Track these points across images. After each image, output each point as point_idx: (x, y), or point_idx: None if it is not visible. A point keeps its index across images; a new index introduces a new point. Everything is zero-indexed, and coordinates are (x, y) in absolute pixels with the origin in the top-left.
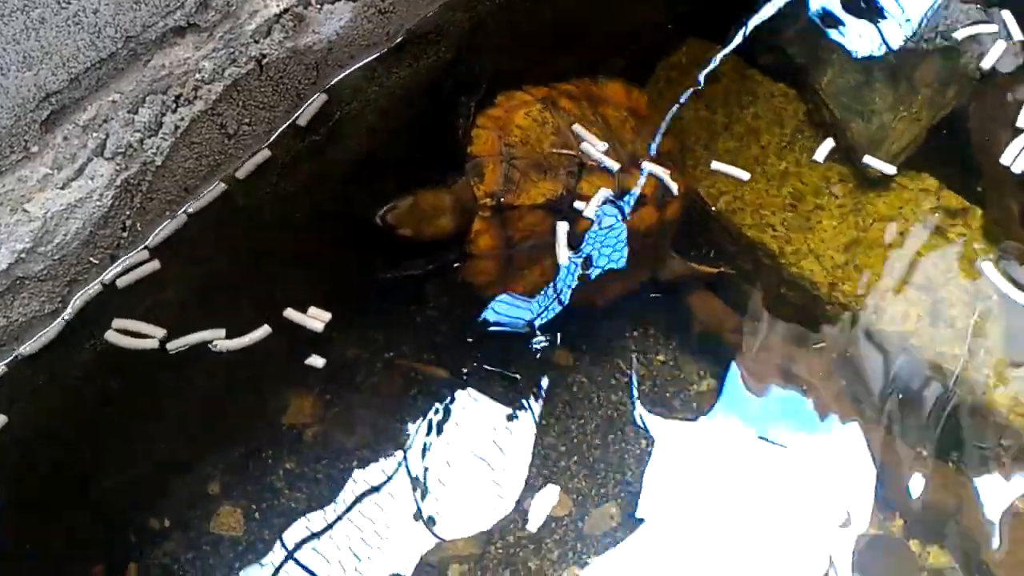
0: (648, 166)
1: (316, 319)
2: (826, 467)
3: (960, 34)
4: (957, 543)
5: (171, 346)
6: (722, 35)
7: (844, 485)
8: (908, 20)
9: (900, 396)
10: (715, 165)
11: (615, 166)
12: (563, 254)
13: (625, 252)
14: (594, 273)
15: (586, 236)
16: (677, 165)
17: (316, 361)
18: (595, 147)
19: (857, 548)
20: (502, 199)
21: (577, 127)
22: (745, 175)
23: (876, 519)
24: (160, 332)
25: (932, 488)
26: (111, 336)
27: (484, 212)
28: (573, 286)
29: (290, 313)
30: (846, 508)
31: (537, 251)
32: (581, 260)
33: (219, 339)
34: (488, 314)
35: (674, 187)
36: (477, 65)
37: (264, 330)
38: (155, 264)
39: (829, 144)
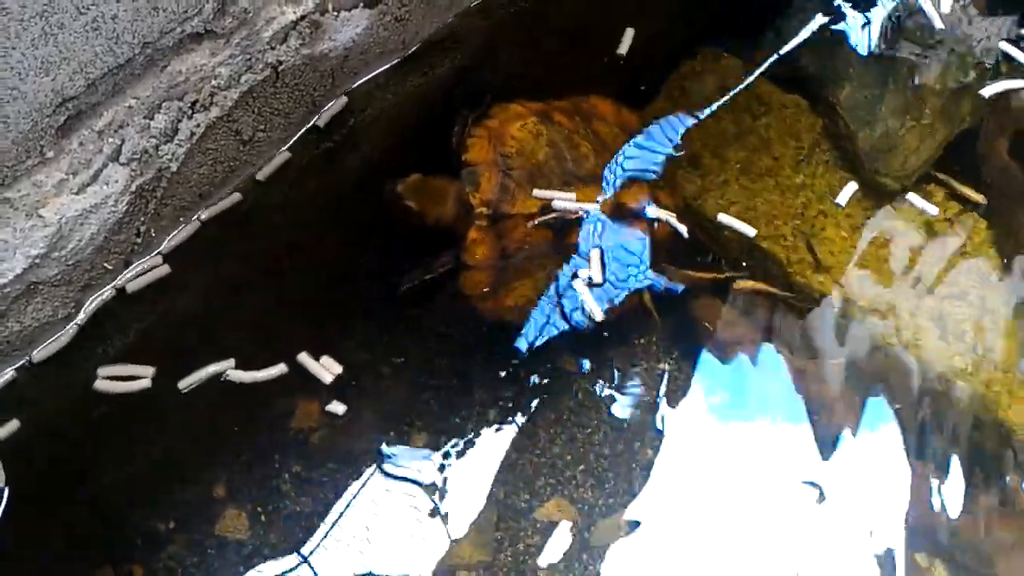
0: (653, 211)
1: (327, 370)
2: (837, 481)
3: (988, 91)
4: (965, 559)
5: (183, 384)
6: (735, 45)
7: (855, 499)
8: (921, 33)
9: (913, 411)
10: (721, 217)
11: (593, 207)
12: (597, 311)
13: (624, 266)
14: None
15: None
16: (669, 182)
17: (337, 408)
18: (564, 200)
19: (865, 561)
20: (498, 207)
21: (537, 191)
22: (751, 231)
23: (885, 533)
24: (149, 371)
25: (942, 503)
26: (101, 385)
27: (480, 221)
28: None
29: (303, 358)
30: (856, 521)
31: (530, 263)
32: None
33: (230, 369)
34: (496, 322)
35: (683, 229)
36: (484, 77)
37: (279, 368)
38: (165, 268)
39: (852, 187)
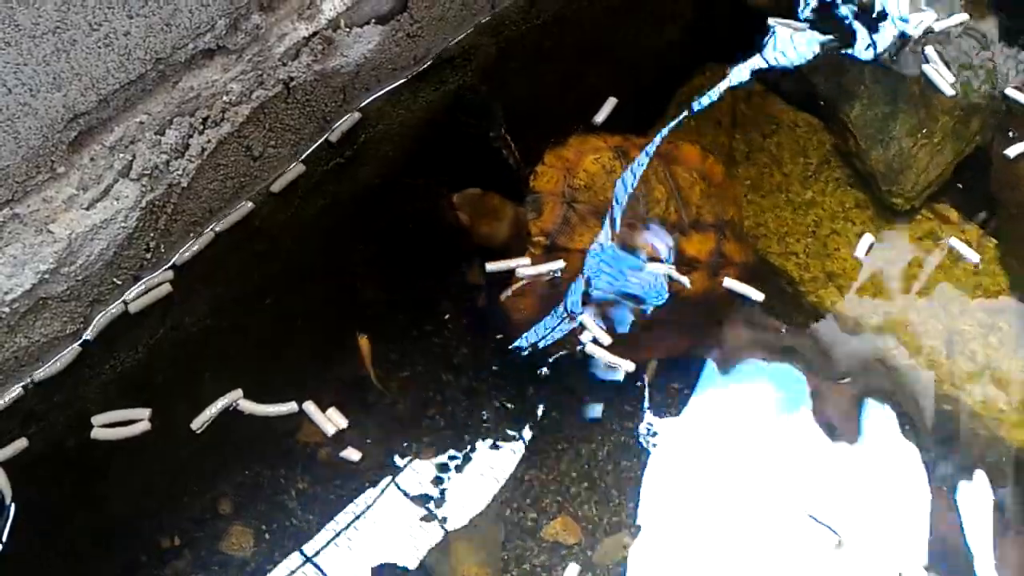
0: (655, 267)
1: (331, 422)
2: (846, 500)
3: (1012, 151)
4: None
5: (195, 424)
6: (743, 61)
7: (864, 520)
8: (931, 48)
9: (921, 429)
10: (727, 283)
11: (559, 264)
12: (626, 365)
13: (668, 311)
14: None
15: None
16: (739, 236)
17: (352, 455)
18: (522, 265)
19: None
20: (556, 239)
21: (490, 265)
22: (759, 295)
23: (894, 554)
24: (145, 412)
25: (952, 524)
26: (97, 433)
27: (535, 249)
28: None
29: (309, 408)
30: (866, 543)
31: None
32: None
33: (240, 400)
34: (504, 340)
35: (685, 281)
36: (483, 91)
37: (290, 406)
38: (167, 287)
39: (868, 240)
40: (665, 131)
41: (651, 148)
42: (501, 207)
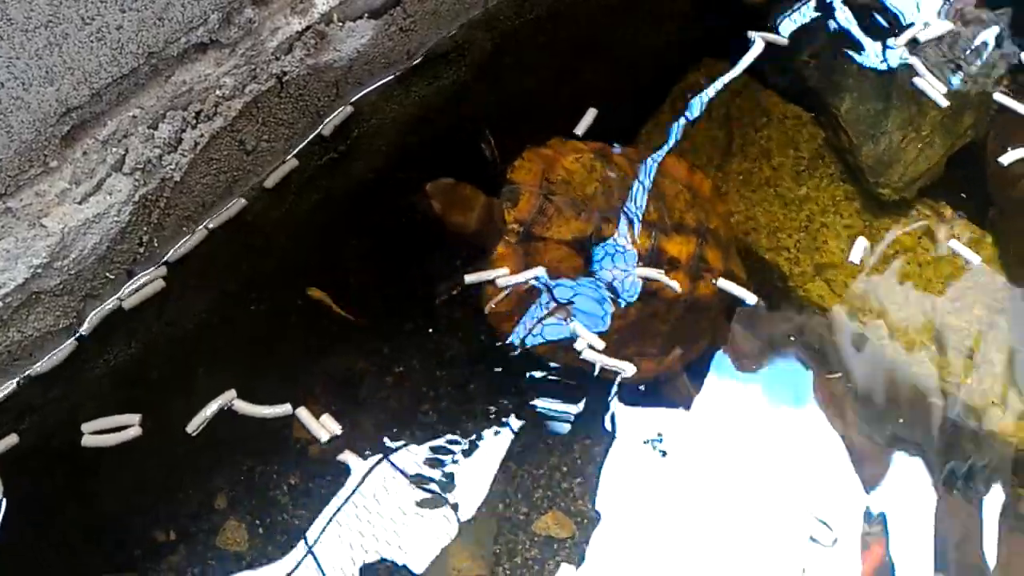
0: (642, 271)
1: (325, 429)
2: (835, 494)
3: (1006, 159)
4: (959, 571)
5: (191, 428)
6: (738, 56)
7: (851, 511)
8: (924, 44)
9: (909, 424)
10: (721, 283)
11: (538, 271)
12: (627, 368)
13: (653, 312)
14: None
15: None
16: (722, 246)
17: (345, 451)
18: (501, 275)
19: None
20: (531, 228)
21: (468, 276)
22: (753, 298)
23: (881, 546)
24: (136, 418)
25: (937, 515)
26: (88, 440)
27: (510, 237)
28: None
29: (301, 414)
30: (852, 534)
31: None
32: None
33: (233, 399)
34: (499, 336)
35: (674, 285)
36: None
37: (284, 408)
38: (160, 282)
39: (863, 243)
40: (655, 132)
41: (634, 157)
42: (473, 196)
